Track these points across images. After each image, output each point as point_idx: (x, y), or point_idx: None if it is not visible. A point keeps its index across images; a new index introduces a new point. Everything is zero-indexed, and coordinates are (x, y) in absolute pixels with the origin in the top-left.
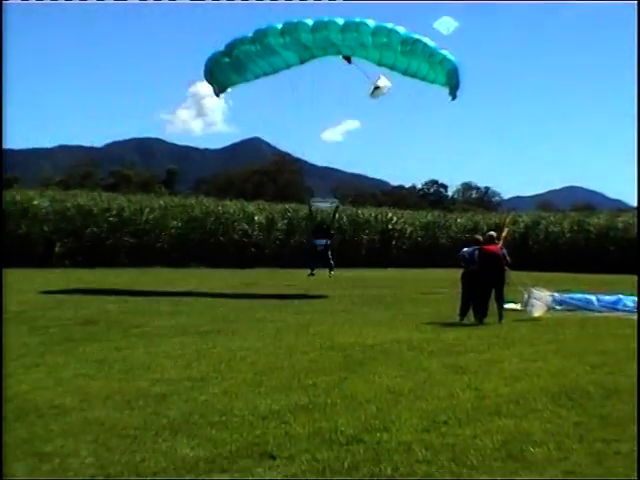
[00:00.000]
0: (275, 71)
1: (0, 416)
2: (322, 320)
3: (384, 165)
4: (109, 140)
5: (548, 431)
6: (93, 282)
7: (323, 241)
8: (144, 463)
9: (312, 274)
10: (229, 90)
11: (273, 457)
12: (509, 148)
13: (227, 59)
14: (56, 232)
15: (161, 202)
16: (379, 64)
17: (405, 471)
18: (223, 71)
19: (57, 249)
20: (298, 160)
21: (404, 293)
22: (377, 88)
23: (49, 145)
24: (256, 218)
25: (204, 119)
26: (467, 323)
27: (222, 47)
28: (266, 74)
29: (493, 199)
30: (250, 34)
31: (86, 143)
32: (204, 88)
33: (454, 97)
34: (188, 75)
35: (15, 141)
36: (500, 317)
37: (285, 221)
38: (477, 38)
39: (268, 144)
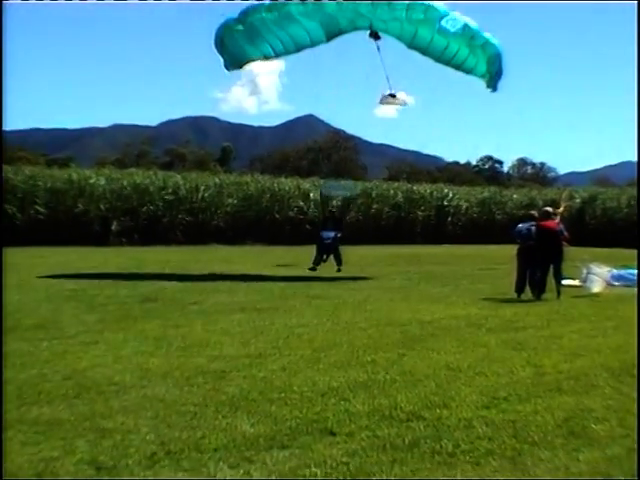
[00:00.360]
0: (297, 46)
1: (1, 414)
2: (379, 296)
3: (439, 141)
4: (163, 119)
5: (610, 408)
6: (149, 260)
7: (332, 233)
8: (205, 440)
9: (314, 268)
10: (244, 68)
11: (333, 434)
12: (564, 123)
13: (241, 27)
14: (112, 210)
15: (216, 180)
16: (411, 45)
17: (466, 448)
18: (236, 41)
19: (113, 227)
20: (353, 137)
21: (460, 269)
22: (393, 96)
23: (104, 124)
24: (311, 195)
25: (258, 97)
26: (525, 299)
27: (235, 15)
28: (287, 50)
29: (549, 175)
30: (267, 1)
31: (140, 122)
32: (258, 66)
33: (494, 88)
34: None
35: (70, 120)
36: (558, 293)
37: (340, 198)
38: (531, 12)
39: (322, 121)
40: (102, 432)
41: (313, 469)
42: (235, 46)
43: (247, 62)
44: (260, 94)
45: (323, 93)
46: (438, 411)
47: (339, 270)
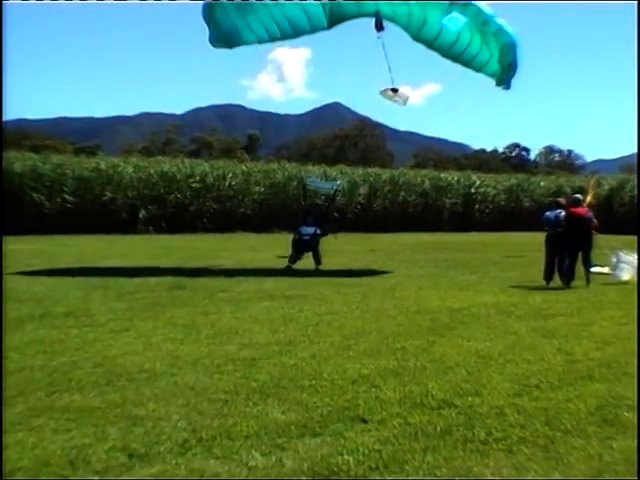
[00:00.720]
0: (295, 30)
1: (1, 413)
2: (407, 284)
3: (465, 129)
4: (190, 107)
5: None
6: (177, 248)
7: (311, 229)
8: (236, 427)
9: (289, 267)
10: (230, 48)
11: (365, 421)
12: (591, 110)
13: None
14: (140, 198)
15: (244, 168)
16: (419, 35)
17: (499, 435)
18: (226, 13)
19: (141, 215)
20: (379, 125)
21: (488, 257)
22: (394, 91)
23: (131, 113)
24: (338, 182)
25: (285, 85)
26: (554, 287)
27: None
28: (283, 34)
29: (576, 162)
30: None
31: (167, 110)
32: (284, 54)
33: (508, 84)
34: None
35: (98, 109)
36: (588, 281)
37: (367, 185)
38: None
39: (349, 109)
40: (133, 419)
41: (345, 456)
42: (225, 20)
43: (232, 34)
44: (286, 82)
45: (349, 80)
46: (470, 399)
47: (317, 269)
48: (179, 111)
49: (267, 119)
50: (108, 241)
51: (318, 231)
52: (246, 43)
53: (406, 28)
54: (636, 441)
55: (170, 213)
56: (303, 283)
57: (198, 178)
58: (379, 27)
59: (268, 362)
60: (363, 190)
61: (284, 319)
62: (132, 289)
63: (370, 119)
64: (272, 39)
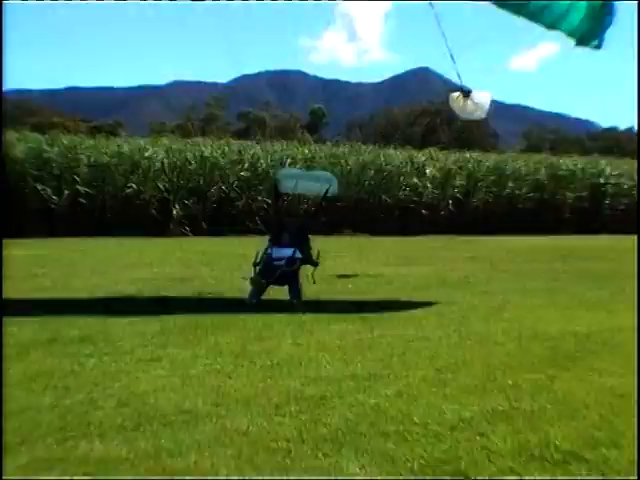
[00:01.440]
0: None
1: (0, 413)
2: (519, 302)
3: (591, 101)
4: (236, 74)
5: None
6: (221, 254)
7: (288, 251)
8: None
9: (255, 302)
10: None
11: (468, 478)
12: None
13: None
14: (173, 191)
15: (306, 151)
16: None
17: None
18: None
19: (175, 213)
20: None
21: (623, 267)
22: (466, 94)
23: (161, 82)
24: (428, 171)
25: (357, 45)
26: None
27: None
28: None
29: None
30: None
31: (207, 78)
32: (356, 7)
33: (600, 41)
34: None
35: (118, 77)
36: None
37: (464, 175)
38: None
39: (440, 76)
40: (170, 474)
41: None
42: None
43: None
44: (360, 41)
45: (442, 39)
46: (604, 451)
47: (293, 303)
48: (223, 79)
49: (335, 89)
50: (133, 245)
51: (298, 254)
52: None
53: None
54: (636, 442)
55: (212, 210)
56: (384, 300)
57: (247, 165)
58: None
59: (341, 401)
60: (459, 181)
61: (361, 346)
62: (164, 307)
63: (468, 88)
64: None
